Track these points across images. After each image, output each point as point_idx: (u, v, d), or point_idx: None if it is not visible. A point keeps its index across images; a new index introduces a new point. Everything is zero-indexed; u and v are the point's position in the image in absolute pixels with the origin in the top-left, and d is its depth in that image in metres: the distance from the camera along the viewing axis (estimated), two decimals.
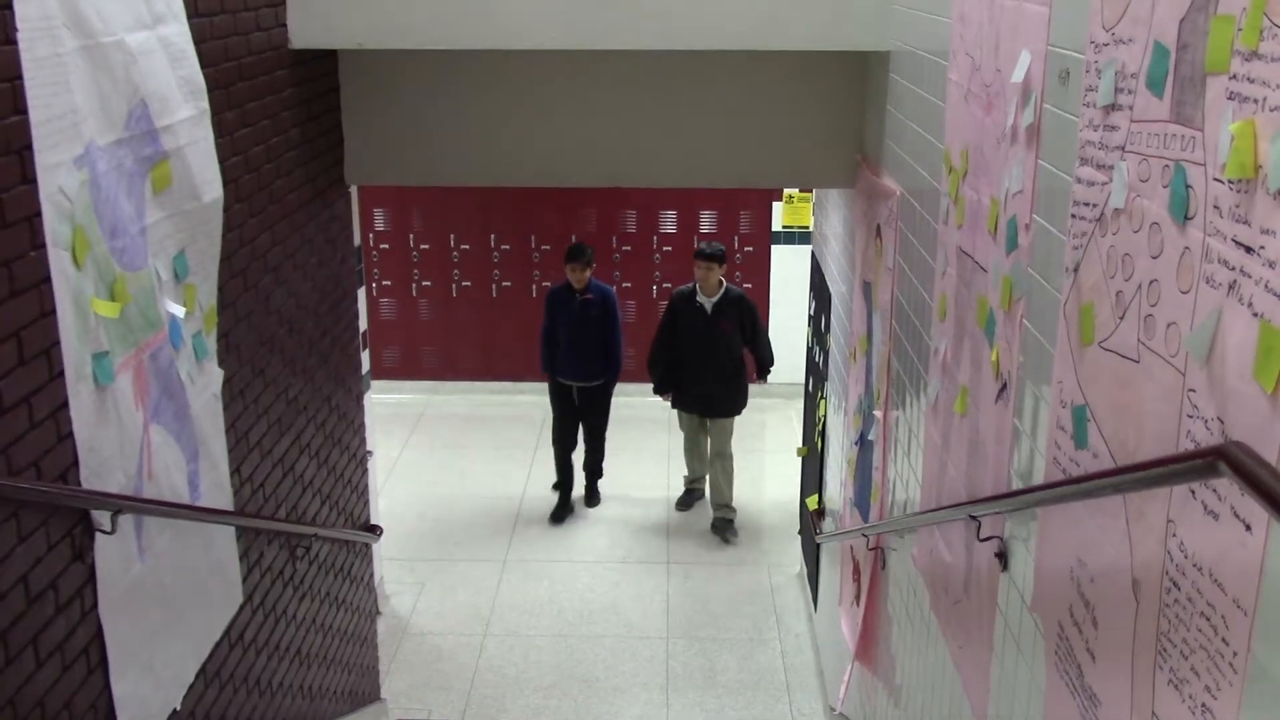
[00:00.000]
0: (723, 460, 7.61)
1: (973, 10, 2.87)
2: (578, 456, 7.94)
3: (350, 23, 4.10)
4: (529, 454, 8.76)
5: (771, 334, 9.66)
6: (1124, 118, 1.87)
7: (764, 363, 7.63)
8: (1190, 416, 1.58)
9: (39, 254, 2.41)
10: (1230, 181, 1.48)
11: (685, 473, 8.15)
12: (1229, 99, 1.49)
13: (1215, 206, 1.53)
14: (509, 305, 9.72)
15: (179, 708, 3.13)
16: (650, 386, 7.71)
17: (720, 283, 7.32)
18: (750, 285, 9.69)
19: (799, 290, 8.22)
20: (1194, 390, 1.57)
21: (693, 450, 7.94)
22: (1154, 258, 1.73)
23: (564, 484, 7.94)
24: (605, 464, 8.04)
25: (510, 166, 5.01)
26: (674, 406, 7.69)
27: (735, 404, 7.56)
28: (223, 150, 3.37)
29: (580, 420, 7.84)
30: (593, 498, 8.10)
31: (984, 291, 2.72)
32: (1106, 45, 1.96)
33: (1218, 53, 1.52)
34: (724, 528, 7.64)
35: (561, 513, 7.89)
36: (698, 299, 7.32)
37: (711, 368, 7.35)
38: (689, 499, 8.08)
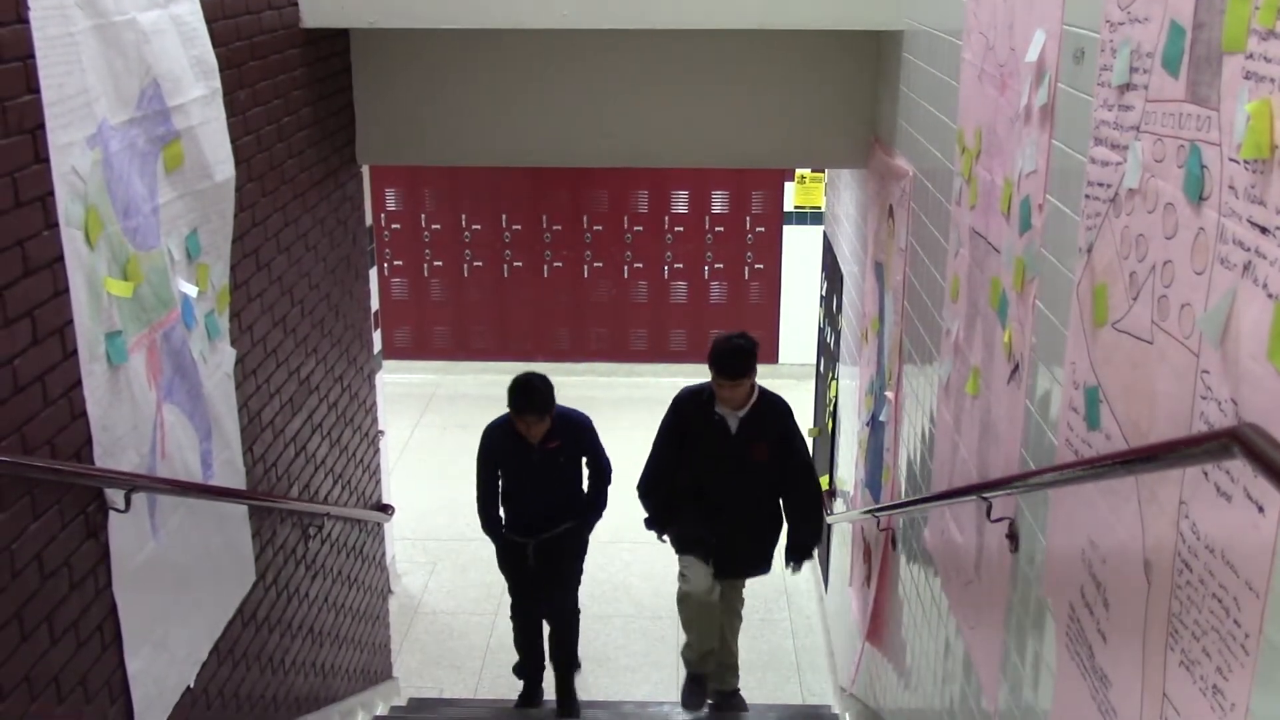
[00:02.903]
0: (730, 618, 5.43)
1: None
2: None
3: (362, 1, 4.10)
4: None
5: (783, 315, 9.79)
6: (1139, 97, 1.86)
7: (805, 526, 4.99)
8: (1203, 398, 1.58)
9: (52, 233, 2.42)
10: (1246, 162, 1.47)
11: (683, 646, 5.33)
12: (1245, 78, 1.48)
13: (1230, 187, 1.51)
14: (520, 285, 9.72)
15: (192, 685, 3.15)
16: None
17: (752, 389, 4.76)
18: (762, 266, 9.69)
19: (811, 271, 8.21)
20: (1207, 372, 1.57)
21: (699, 616, 5.03)
22: (1168, 238, 1.72)
23: (531, 667, 5.59)
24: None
25: (522, 146, 5.01)
26: (678, 549, 5.06)
27: (765, 559, 5.14)
28: (235, 130, 3.38)
29: (542, 579, 5.26)
30: (570, 707, 5.45)
31: (997, 272, 2.71)
32: (1122, 24, 1.94)
33: (1234, 32, 1.51)
34: (729, 701, 5.49)
35: (534, 695, 5.62)
36: (716, 410, 4.78)
37: (735, 509, 4.88)
38: (699, 690, 5.28)
